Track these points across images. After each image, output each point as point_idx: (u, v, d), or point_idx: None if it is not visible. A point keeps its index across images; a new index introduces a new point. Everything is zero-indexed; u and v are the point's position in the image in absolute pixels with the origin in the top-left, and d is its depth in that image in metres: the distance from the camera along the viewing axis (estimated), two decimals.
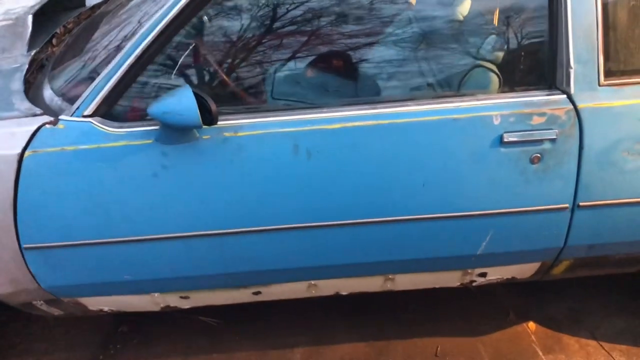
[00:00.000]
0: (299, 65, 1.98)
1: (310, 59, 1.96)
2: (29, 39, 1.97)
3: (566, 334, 2.14)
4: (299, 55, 1.97)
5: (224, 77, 1.79)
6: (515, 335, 2.15)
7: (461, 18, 1.92)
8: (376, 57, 1.99)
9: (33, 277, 1.67)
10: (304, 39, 1.91)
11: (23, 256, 1.63)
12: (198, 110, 1.41)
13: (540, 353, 2.06)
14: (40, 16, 2.12)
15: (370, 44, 1.90)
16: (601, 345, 2.08)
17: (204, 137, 1.54)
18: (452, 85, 1.77)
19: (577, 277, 2.00)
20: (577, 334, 2.14)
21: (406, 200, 1.61)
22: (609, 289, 2.32)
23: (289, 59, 1.96)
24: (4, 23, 2.04)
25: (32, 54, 1.93)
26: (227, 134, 1.54)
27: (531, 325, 2.19)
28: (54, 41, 2.05)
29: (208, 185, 1.57)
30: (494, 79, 1.70)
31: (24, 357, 2.15)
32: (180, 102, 1.41)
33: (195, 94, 1.43)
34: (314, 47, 1.92)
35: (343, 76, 2.03)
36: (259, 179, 1.57)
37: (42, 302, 1.80)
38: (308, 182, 1.58)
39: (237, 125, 1.55)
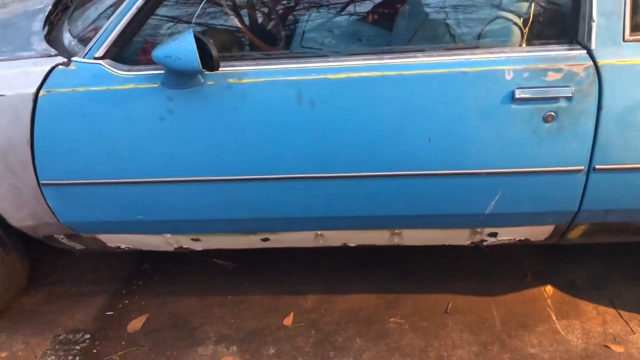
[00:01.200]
0: (331, 13, 1.95)
1: (343, 6, 1.93)
2: None
3: (584, 300, 2.08)
4: (329, 2, 1.94)
5: (239, 22, 1.79)
6: (531, 298, 2.11)
7: None
8: (412, 5, 1.94)
9: (52, 211, 1.76)
10: None
11: (42, 191, 1.71)
12: (197, 55, 1.41)
13: (554, 317, 2.01)
14: None
15: None
16: (620, 314, 2.01)
17: (208, 82, 1.54)
18: (472, 36, 1.70)
19: (597, 243, 1.92)
20: (596, 301, 2.07)
21: (411, 155, 1.58)
22: (635, 256, 2.23)
23: (318, 7, 1.94)
24: None
25: None
26: (231, 80, 1.54)
27: (548, 289, 2.14)
28: None
29: (213, 131, 1.58)
30: (516, 31, 1.62)
31: (55, 287, 2.29)
32: (181, 46, 1.42)
33: (198, 39, 1.42)
34: None
35: (378, 25, 1.99)
36: (262, 127, 1.57)
37: (62, 236, 1.90)
38: (311, 132, 1.56)
39: (242, 71, 1.55)
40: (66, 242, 1.94)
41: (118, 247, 1.97)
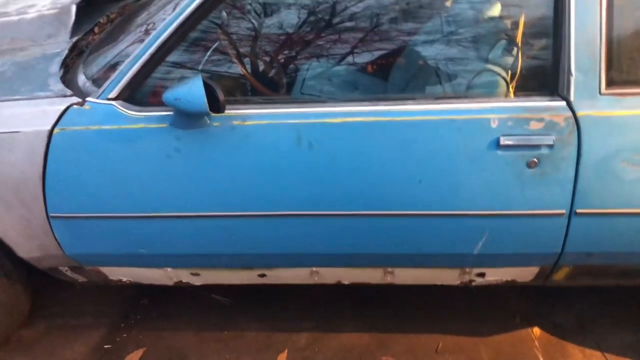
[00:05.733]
0: (330, 63, 2.07)
1: (341, 57, 2.05)
2: (71, 27, 2.14)
3: (571, 342, 2.14)
4: (329, 53, 2.06)
5: (243, 69, 1.90)
6: (519, 339, 2.17)
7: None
8: (407, 57, 2.06)
9: (58, 244, 1.84)
10: (331, 37, 1.99)
11: (50, 224, 1.79)
12: (205, 98, 1.52)
13: (541, 359, 2.07)
14: (87, 7, 2.30)
15: (401, 44, 1.97)
16: (605, 357, 2.07)
17: (214, 124, 1.65)
18: (461, 87, 1.82)
19: (582, 285, 1.99)
20: (582, 344, 2.13)
21: (403, 196, 1.67)
22: (621, 300, 2.30)
23: (317, 57, 2.05)
24: (51, 12, 2.22)
25: (74, 40, 2.10)
26: (235, 122, 1.65)
27: (536, 330, 2.20)
28: (96, 29, 2.22)
29: (216, 170, 1.68)
30: (501, 83, 1.74)
31: (55, 319, 2.34)
32: (191, 90, 1.53)
33: (205, 83, 1.54)
34: (343, 45, 2.01)
35: (374, 75, 2.11)
36: (264, 167, 1.67)
37: (67, 268, 1.97)
38: (309, 172, 1.66)
39: (246, 114, 1.65)
40: (69, 274, 2.01)
41: (120, 280, 2.03)
